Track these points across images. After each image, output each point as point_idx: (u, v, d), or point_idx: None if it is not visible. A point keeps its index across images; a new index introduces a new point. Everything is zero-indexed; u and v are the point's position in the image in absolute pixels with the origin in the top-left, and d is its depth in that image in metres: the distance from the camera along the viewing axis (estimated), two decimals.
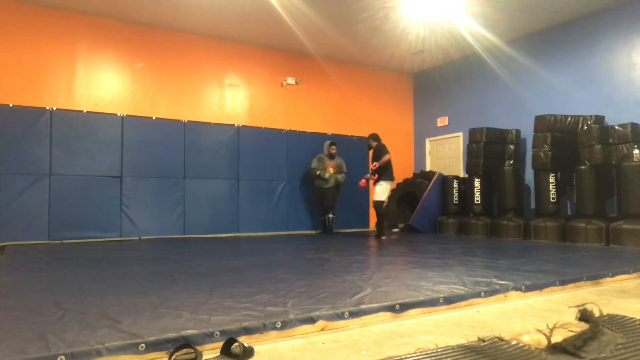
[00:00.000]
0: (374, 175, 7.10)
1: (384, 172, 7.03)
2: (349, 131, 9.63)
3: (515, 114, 8.47)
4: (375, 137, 7.41)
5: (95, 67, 7.46)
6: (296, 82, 9.10)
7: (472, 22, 7.63)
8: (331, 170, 8.38)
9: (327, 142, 8.60)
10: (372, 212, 9.79)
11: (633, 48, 6.92)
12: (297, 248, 5.97)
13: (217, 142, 8.12)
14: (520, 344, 1.90)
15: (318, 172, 8.33)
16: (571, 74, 7.70)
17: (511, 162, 8.16)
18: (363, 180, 7.41)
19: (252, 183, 8.40)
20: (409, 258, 4.80)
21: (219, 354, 1.84)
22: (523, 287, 3.08)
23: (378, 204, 7.06)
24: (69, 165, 6.94)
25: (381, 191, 7.01)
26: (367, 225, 9.67)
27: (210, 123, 8.17)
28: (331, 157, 8.51)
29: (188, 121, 7.96)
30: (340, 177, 8.46)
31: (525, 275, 3.44)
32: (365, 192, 9.70)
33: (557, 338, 1.94)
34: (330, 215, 8.51)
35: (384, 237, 6.99)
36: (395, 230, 7.33)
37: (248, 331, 2.04)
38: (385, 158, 6.95)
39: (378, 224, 7.16)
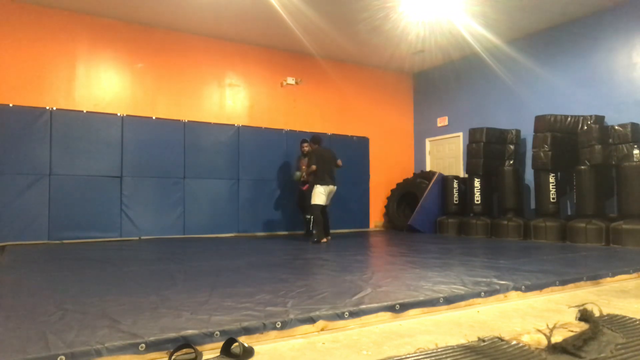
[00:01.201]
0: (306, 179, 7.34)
1: (317, 177, 6.84)
2: (349, 131, 9.64)
3: (515, 114, 8.47)
4: (315, 139, 7.20)
5: (95, 67, 7.46)
6: (296, 82, 9.10)
7: (472, 22, 7.63)
8: (304, 167, 7.69)
9: (300, 141, 8.10)
10: (372, 212, 9.84)
11: (633, 48, 6.92)
12: (297, 248, 5.97)
13: (217, 142, 8.12)
14: (520, 344, 1.90)
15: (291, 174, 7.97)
16: (571, 74, 7.70)
17: (511, 162, 8.16)
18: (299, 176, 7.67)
19: (252, 183, 8.40)
20: (409, 258, 4.80)
21: (219, 354, 1.84)
22: (523, 287, 3.08)
23: (314, 208, 6.82)
24: (69, 165, 6.94)
25: (316, 194, 6.79)
26: (367, 225, 9.67)
27: (210, 123, 8.17)
28: (304, 155, 7.85)
29: (188, 121, 7.96)
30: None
31: (525, 275, 3.44)
32: (365, 192, 9.71)
33: (557, 338, 1.94)
34: (307, 216, 7.92)
35: (324, 240, 6.72)
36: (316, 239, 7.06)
37: (248, 331, 2.04)
38: (311, 169, 6.86)
39: (316, 227, 6.88)
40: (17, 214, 6.53)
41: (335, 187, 6.98)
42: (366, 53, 9.32)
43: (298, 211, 8.42)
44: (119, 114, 7.41)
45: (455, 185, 8.74)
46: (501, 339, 1.96)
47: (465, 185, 8.58)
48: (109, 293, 2.89)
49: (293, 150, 8.79)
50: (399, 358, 1.77)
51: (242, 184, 8.30)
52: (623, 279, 3.70)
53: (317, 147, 7.06)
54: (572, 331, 2.07)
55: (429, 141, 10.46)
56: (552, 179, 7.09)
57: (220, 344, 1.88)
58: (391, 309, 2.47)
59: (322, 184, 6.79)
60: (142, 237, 7.29)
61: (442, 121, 10.12)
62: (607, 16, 7.22)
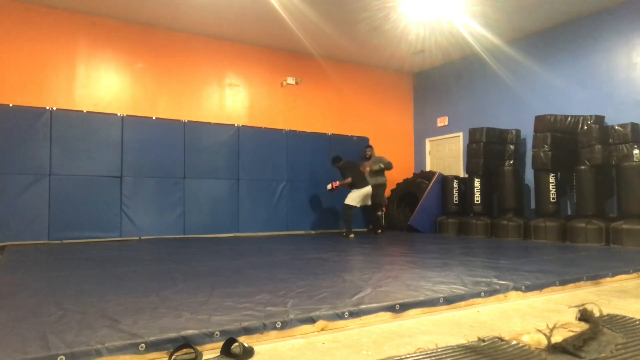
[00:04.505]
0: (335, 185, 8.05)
1: (355, 184, 7.78)
2: (349, 131, 9.63)
3: (515, 114, 8.47)
4: (336, 159, 8.04)
5: (95, 67, 7.46)
6: (296, 82, 9.10)
7: (472, 22, 7.63)
8: (367, 169, 8.42)
9: (364, 146, 8.99)
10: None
11: (633, 48, 6.92)
12: (297, 248, 5.97)
13: (217, 142, 8.12)
14: (520, 344, 1.90)
15: None
16: (571, 74, 7.70)
17: (511, 162, 8.16)
18: (330, 186, 8.05)
19: (252, 183, 8.39)
20: (409, 258, 4.79)
21: (219, 354, 1.84)
22: (523, 287, 3.07)
23: (346, 207, 7.78)
24: (69, 165, 6.94)
25: (351, 197, 7.76)
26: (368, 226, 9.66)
27: (210, 123, 8.17)
28: (367, 158, 8.66)
29: (188, 121, 7.95)
30: (375, 166, 8.40)
31: (525, 275, 3.44)
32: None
33: (557, 338, 1.94)
34: (379, 213, 8.71)
35: (351, 235, 7.62)
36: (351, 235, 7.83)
37: (248, 331, 2.04)
38: (346, 181, 7.80)
39: (347, 224, 7.79)
40: (17, 214, 6.53)
41: (370, 188, 7.87)
42: (366, 53, 9.32)
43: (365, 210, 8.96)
44: (119, 114, 7.41)
45: (455, 185, 8.74)
46: (501, 339, 1.96)
47: (465, 185, 8.58)
48: (109, 293, 2.89)
49: (293, 150, 8.80)
50: (399, 358, 1.77)
51: (242, 184, 8.30)
52: (623, 279, 3.70)
53: (346, 164, 7.95)
54: (572, 331, 2.07)
55: (429, 141, 10.46)
56: (552, 179, 7.09)
57: (220, 344, 1.88)
58: (391, 309, 2.47)
59: (360, 188, 7.75)
60: (142, 237, 7.29)
61: (442, 121, 10.12)
62: (607, 16, 7.22)
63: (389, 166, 8.51)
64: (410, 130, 10.82)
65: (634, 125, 6.48)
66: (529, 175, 7.95)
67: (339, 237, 7.74)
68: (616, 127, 6.58)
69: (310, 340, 2.08)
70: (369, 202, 7.96)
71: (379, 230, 8.53)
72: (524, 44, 8.41)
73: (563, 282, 3.30)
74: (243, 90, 8.75)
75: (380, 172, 8.49)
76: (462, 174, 9.22)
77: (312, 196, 8.92)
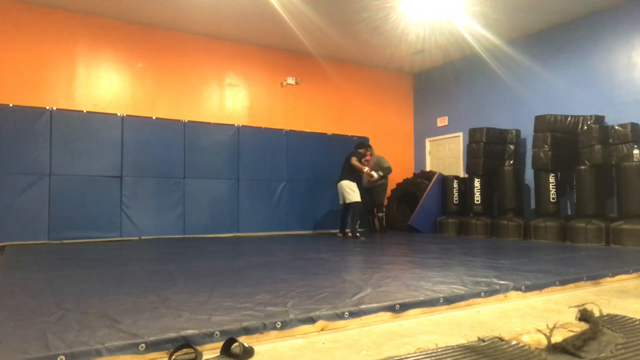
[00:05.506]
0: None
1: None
2: (349, 131, 9.63)
3: (515, 114, 8.48)
4: (360, 145, 8.00)
5: (95, 67, 7.46)
6: (296, 82, 9.11)
7: (472, 22, 7.63)
8: (373, 179, 8.28)
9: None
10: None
11: (633, 48, 6.92)
12: (297, 248, 5.97)
13: (217, 142, 8.12)
14: (520, 344, 1.90)
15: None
16: (571, 74, 7.71)
17: (511, 162, 8.16)
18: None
19: (252, 183, 8.39)
20: (409, 258, 4.79)
21: (219, 354, 1.84)
22: (523, 287, 3.07)
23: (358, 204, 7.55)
24: (69, 165, 6.94)
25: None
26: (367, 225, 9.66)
27: (210, 123, 8.17)
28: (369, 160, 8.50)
29: (188, 121, 7.95)
30: (376, 175, 8.24)
31: (525, 275, 3.44)
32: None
33: (557, 338, 1.94)
34: (380, 214, 8.77)
35: (356, 235, 7.43)
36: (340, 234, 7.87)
37: (248, 331, 2.04)
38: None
39: (354, 223, 7.55)
40: (17, 214, 6.53)
41: (341, 183, 7.55)
42: (366, 53, 9.32)
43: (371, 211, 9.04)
44: (119, 114, 7.41)
45: (455, 185, 8.74)
46: (501, 339, 1.96)
47: (465, 185, 8.58)
48: (109, 293, 2.89)
49: (293, 150, 8.80)
50: (399, 358, 1.77)
51: (242, 184, 8.30)
52: (623, 279, 3.70)
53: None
54: (572, 331, 2.07)
55: (429, 141, 10.46)
56: (552, 179, 7.09)
57: (220, 344, 1.88)
58: (391, 309, 2.47)
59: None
60: (142, 237, 7.29)
61: (442, 121, 10.12)
62: (607, 16, 7.22)
63: (387, 172, 8.48)
64: (410, 130, 10.82)
65: (634, 125, 6.48)
66: (529, 175, 7.95)
67: (338, 237, 7.74)
68: (616, 127, 6.58)
69: (310, 340, 2.07)
70: (342, 200, 7.61)
71: (358, 231, 8.23)
72: (524, 44, 8.41)
73: (563, 282, 3.30)
74: (243, 90, 8.75)
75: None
76: (462, 174, 9.23)
77: (312, 196, 8.92)
